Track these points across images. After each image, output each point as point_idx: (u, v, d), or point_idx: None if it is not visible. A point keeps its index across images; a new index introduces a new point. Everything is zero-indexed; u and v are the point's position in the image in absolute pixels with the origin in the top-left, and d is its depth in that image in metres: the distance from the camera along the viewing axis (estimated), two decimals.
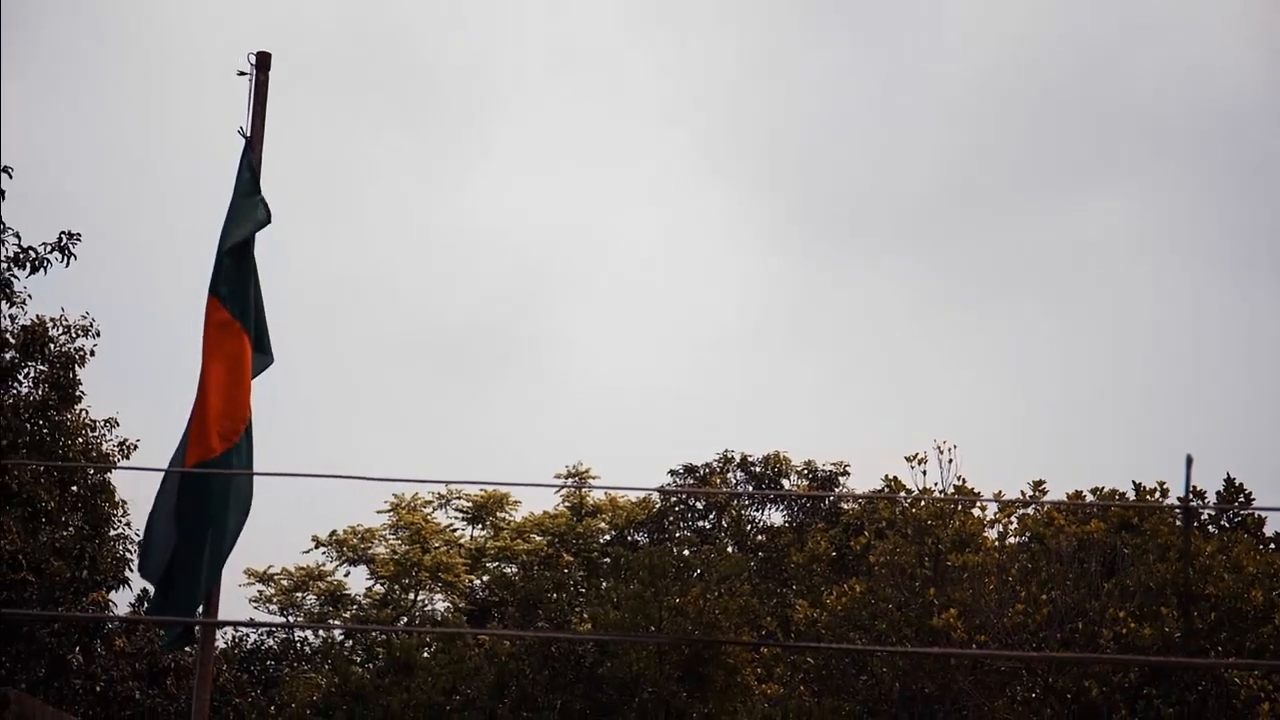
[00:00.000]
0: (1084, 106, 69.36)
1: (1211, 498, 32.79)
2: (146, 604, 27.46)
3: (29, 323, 26.22)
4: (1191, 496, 30.55)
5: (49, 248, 25.31)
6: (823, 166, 71.68)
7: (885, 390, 64.51)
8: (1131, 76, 71.26)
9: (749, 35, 71.43)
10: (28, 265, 25.30)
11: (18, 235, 25.23)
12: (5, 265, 25.37)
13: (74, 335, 26.61)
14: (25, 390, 26.56)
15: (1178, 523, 29.01)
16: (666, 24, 72.06)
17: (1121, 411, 64.42)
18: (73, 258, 25.35)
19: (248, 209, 10.96)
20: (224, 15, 67.37)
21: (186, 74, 68.48)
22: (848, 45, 72.48)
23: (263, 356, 11.08)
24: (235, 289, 10.89)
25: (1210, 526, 33.45)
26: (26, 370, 26.54)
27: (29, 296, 26.04)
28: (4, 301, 25.78)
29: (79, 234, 25.40)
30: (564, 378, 66.54)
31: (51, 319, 26.43)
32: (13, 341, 26.27)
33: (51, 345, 26.41)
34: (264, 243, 11.01)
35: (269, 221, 11.03)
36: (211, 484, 10.54)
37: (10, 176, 24.91)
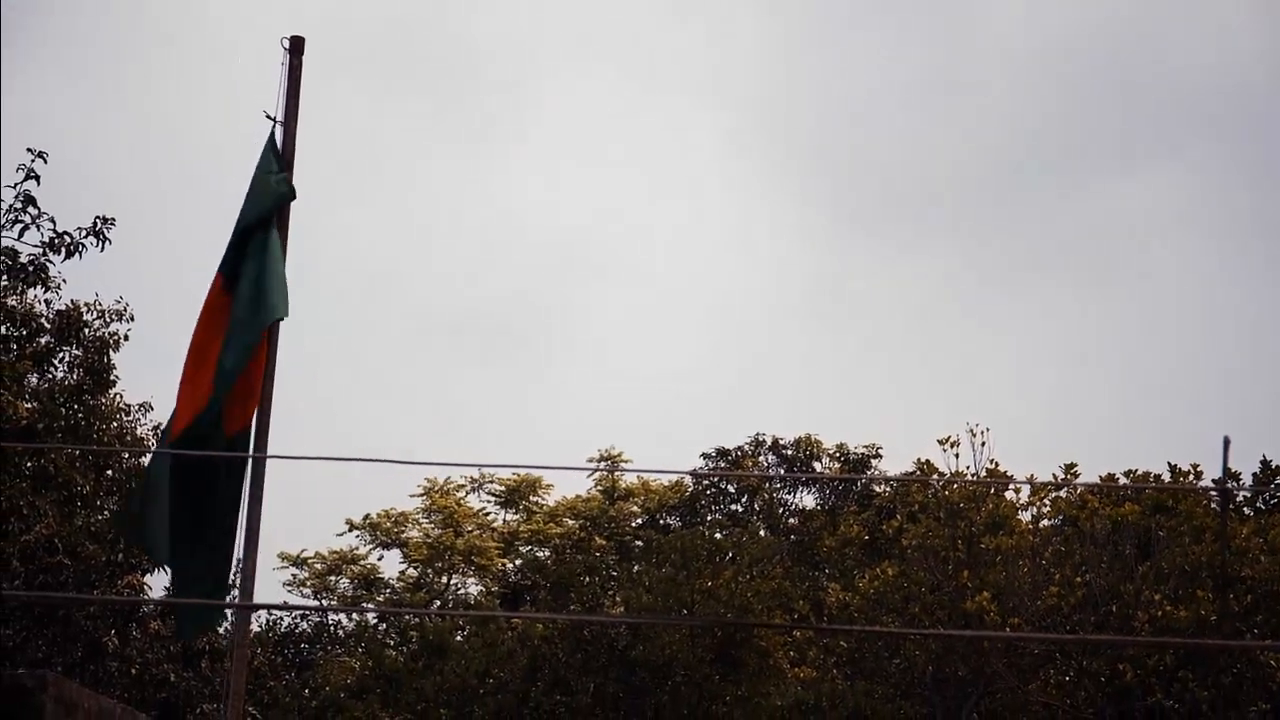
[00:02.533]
0: (1121, 89, 69.07)
1: (1247, 480, 32.63)
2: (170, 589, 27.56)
3: (64, 307, 26.29)
4: (1228, 478, 30.41)
5: (83, 232, 25.35)
6: (854, 149, 71.53)
7: (918, 373, 64.40)
8: (1169, 59, 70.91)
9: (783, 15, 71.28)
10: (62, 250, 25.35)
11: (53, 220, 25.29)
12: (40, 250, 25.45)
13: (108, 320, 26.66)
14: (60, 375, 26.65)
15: (1213, 505, 28.87)
16: (696, 4, 71.94)
17: (1156, 393, 64.20)
18: (107, 242, 25.38)
19: (266, 186, 10.88)
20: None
21: (221, 58, 68.63)
22: (884, 29, 72.27)
23: (258, 309, 10.67)
24: (236, 261, 10.76)
25: (1246, 509, 33.31)
26: (61, 355, 26.63)
27: (64, 281, 26.10)
28: (39, 286, 25.86)
29: (113, 219, 25.45)
30: (596, 362, 66.58)
31: (86, 304, 26.49)
32: (48, 326, 26.36)
33: (86, 330, 26.47)
34: (295, 226, 11.00)
35: (293, 197, 10.95)
36: (204, 462, 10.45)
37: (45, 161, 25.01)
